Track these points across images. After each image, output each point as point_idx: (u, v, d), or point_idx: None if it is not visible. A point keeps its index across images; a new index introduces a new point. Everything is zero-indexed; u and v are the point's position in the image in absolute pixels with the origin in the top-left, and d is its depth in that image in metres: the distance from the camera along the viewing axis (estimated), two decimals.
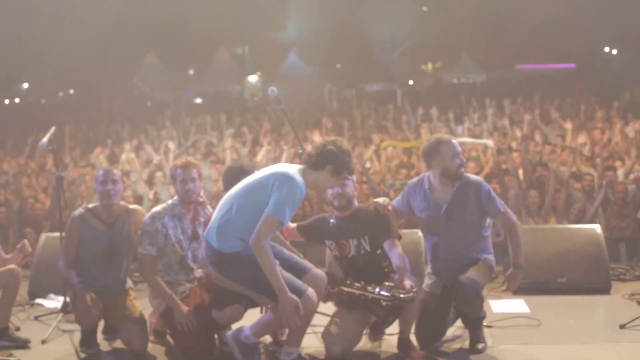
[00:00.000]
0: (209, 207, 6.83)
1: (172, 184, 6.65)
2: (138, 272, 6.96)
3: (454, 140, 6.38)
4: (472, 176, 6.47)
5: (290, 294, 5.24)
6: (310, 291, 5.41)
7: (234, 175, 6.16)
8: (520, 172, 10.74)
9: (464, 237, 6.25)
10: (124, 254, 6.73)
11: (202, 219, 6.63)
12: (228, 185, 6.10)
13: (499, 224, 7.16)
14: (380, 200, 6.38)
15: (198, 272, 6.61)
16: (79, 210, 6.72)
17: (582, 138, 13.03)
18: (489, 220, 6.39)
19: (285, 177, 5.38)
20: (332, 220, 6.39)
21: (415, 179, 6.63)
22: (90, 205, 6.79)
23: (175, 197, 6.59)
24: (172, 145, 14.70)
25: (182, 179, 6.47)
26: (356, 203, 6.40)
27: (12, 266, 6.90)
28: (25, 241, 7.14)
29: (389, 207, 6.31)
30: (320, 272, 5.73)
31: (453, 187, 6.25)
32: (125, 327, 6.43)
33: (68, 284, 6.49)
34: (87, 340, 6.63)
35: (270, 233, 5.30)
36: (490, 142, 12.48)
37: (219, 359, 6.02)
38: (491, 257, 6.38)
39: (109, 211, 6.67)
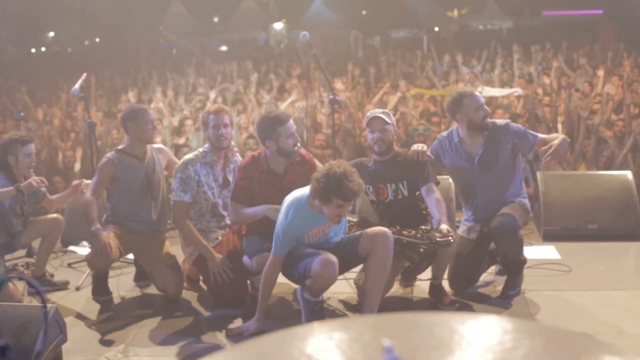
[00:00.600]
0: (238, 154, 6.88)
1: (204, 130, 6.66)
2: (170, 220, 6.98)
3: (477, 92, 6.41)
4: (499, 120, 6.47)
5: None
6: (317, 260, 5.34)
7: (268, 124, 6.12)
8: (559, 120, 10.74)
9: (500, 183, 6.27)
10: (160, 188, 6.79)
11: (232, 166, 6.68)
12: (262, 135, 6.11)
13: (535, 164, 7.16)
14: (418, 146, 6.38)
15: (229, 219, 6.68)
16: (110, 153, 6.76)
17: (611, 86, 12.92)
18: (522, 164, 6.41)
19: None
20: (370, 165, 6.37)
21: (444, 133, 6.62)
22: (119, 147, 6.83)
23: (207, 145, 6.60)
24: (199, 92, 14.73)
25: (215, 125, 6.48)
26: (395, 148, 6.41)
27: (56, 215, 6.98)
28: (83, 180, 7.19)
29: (428, 154, 6.31)
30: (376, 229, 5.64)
31: (483, 136, 6.26)
32: (160, 272, 6.51)
33: (87, 217, 6.42)
34: (99, 288, 6.71)
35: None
36: (518, 90, 12.41)
37: (251, 304, 6.07)
38: (526, 200, 6.40)
39: (141, 148, 6.71)
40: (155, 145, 7.01)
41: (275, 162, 6.19)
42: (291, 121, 6.14)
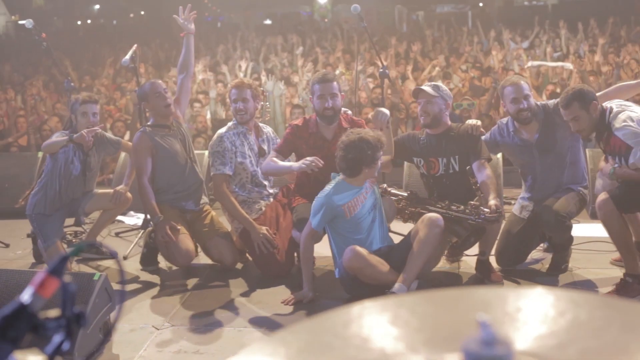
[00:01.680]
0: (268, 129, 6.96)
1: (230, 103, 6.78)
2: (212, 193, 7.01)
3: (522, 82, 6.23)
4: (550, 102, 6.29)
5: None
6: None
7: (312, 81, 6.31)
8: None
9: (559, 167, 6.12)
10: (194, 157, 6.82)
11: (265, 136, 6.77)
12: (312, 92, 6.29)
13: None
14: (472, 121, 6.32)
15: (272, 189, 6.71)
16: (139, 131, 6.77)
17: None
18: (581, 143, 6.25)
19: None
20: (422, 138, 6.33)
21: (503, 120, 6.45)
22: (147, 124, 6.83)
23: (235, 118, 6.68)
24: (244, 65, 14.73)
25: (234, 99, 6.59)
26: (449, 122, 6.34)
27: (125, 192, 7.01)
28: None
29: (481, 129, 6.24)
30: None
31: (538, 121, 6.13)
32: (215, 243, 6.58)
33: (146, 206, 6.56)
34: (148, 258, 6.78)
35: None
36: (569, 65, 12.26)
37: (297, 276, 6.07)
38: (586, 191, 6.22)
39: (166, 120, 6.70)
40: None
41: (324, 127, 6.25)
42: (328, 83, 6.18)
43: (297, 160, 6.05)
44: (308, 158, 5.75)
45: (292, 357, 1.18)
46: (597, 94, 5.84)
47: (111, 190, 7.06)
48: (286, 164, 6.16)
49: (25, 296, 1.34)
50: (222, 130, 6.63)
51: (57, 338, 1.34)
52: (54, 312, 1.36)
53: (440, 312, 1.30)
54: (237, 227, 6.59)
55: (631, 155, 5.37)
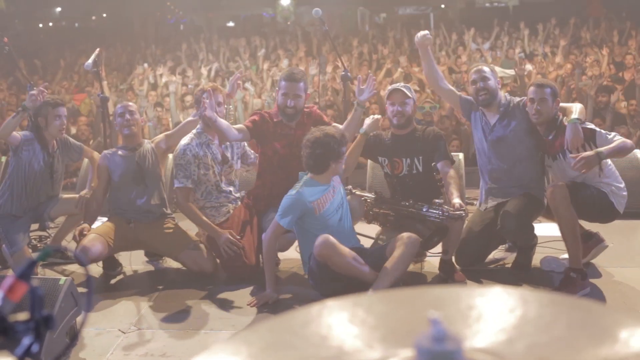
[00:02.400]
0: None
1: (196, 108, 6.76)
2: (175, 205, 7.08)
3: (477, 67, 6.42)
4: (517, 98, 6.42)
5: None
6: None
7: (283, 78, 6.43)
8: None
9: (510, 156, 6.25)
10: (158, 176, 6.85)
11: (228, 142, 6.74)
12: (278, 85, 6.47)
13: None
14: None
15: (239, 193, 6.75)
16: (104, 152, 6.89)
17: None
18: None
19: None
20: (387, 138, 6.45)
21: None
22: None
23: (199, 125, 6.66)
24: (204, 71, 14.76)
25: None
26: (414, 123, 6.46)
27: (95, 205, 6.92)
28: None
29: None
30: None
31: (499, 111, 6.26)
32: (188, 256, 6.57)
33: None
34: (108, 262, 6.77)
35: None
36: (510, 71, 12.45)
37: (262, 278, 6.10)
38: (542, 191, 6.29)
39: (131, 141, 6.80)
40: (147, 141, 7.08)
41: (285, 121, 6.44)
42: (293, 83, 6.35)
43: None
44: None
45: (254, 355, 1.22)
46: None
47: (76, 196, 7.07)
48: (224, 124, 6.16)
49: None
50: (185, 140, 6.61)
51: (26, 340, 1.38)
52: (23, 315, 1.40)
53: (396, 310, 1.35)
54: (203, 233, 6.66)
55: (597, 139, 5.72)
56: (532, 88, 6.07)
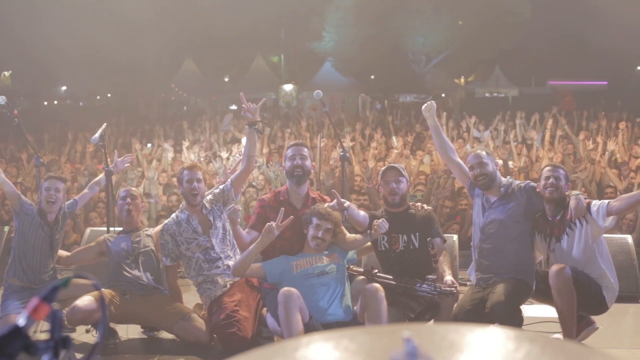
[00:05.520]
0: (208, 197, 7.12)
1: (179, 185, 7.01)
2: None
3: (474, 152, 6.64)
4: (517, 182, 6.62)
5: None
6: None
7: (289, 146, 6.83)
8: None
9: (503, 235, 6.37)
10: (152, 255, 7.04)
11: (209, 206, 6.88)
12: (285, 158, 6.79)
13: None
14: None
15: (228, 260, 6.81)
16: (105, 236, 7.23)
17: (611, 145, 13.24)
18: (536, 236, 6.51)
19: None
20: (382, 216, 6.52)
21: None
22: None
23: (182, 204, 6.98)
24: (202, 154, 15.04)
25: (188, 179, 6.79)
26: (408, 201, 6.68)
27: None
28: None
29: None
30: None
31: (500, 191, 6.46)
32: (182, 327, 6.66)
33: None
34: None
35: None
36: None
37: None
38: (531, 276, 6.37)
39: (129, 223, 7.16)
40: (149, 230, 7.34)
41: (294, 195, 6.62)
42: (299, 147, 6.71)
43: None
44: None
45: None
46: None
47: (82, 281, 7.12)
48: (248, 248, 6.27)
49: (21, 319, 1.54)
50: (167, 221, 6.97)
51: (45, 358, 1.54)
52: (44, 335, 1.57)
53: (377, 340, 1.50)
54: (205, 302, 6.75)
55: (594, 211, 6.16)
56: (547, 168, 6.40)
